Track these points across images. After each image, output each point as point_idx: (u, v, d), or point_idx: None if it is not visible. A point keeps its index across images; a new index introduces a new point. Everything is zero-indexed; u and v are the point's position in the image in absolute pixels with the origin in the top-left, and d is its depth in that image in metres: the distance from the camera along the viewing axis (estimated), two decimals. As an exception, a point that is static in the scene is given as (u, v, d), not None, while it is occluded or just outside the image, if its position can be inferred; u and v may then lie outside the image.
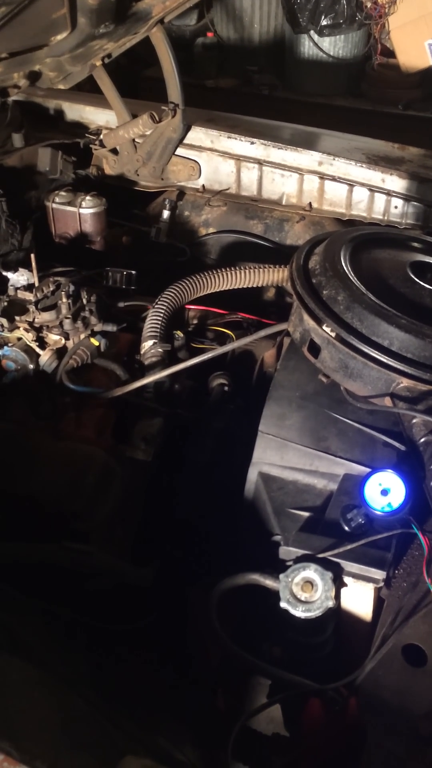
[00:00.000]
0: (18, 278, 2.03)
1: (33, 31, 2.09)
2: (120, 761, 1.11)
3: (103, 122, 2.87)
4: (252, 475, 1.67)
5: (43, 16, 2.04)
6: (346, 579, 1.42)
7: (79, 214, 2.41)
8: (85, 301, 1.97)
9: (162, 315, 2.02)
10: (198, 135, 2.73)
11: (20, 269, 2.04)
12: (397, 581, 1.42)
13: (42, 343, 1.93)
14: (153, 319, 2.01)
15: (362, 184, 2.57)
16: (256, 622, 1.53)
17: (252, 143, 2.68)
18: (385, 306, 1.64)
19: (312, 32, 5.27)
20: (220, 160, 2.74)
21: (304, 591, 1.37)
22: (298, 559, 1.42)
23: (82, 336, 1.94)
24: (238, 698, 1.54)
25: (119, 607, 1.64)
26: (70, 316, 1.92)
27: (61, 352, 1.92)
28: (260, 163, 2.68)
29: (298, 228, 2.65)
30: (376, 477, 1.44)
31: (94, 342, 1.94)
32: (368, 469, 1.54)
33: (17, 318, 1.93)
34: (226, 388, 1.99)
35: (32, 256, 1.97)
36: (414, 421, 1.54)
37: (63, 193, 2.44)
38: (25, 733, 1.08)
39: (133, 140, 2.72)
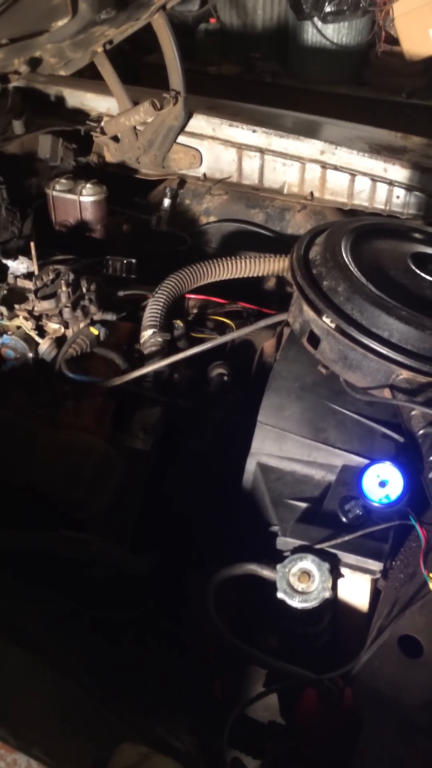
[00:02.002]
0: (18, 266, 2.03)
1: (34, 16, 2.08)
2: (116, 748, 1.12)
3: (105, 109, 2.85)
4: (250, 465, 1.67)
5: (44, 1, 2.03)
6: (343, 570, 1.43)
7: (80, 201, 2.40)
8: (84, 289, 1.97)
9: (162, 304, 2.02)
10: (199, 123, 2.71)
11: (20, 257, 2.04)
12: (394, 573, 1.43)
13: (41, 332, 1.93)
14: (153, 308, 2.01)
15: (364, 174, 2.56)
16: (253, 612, 1.54)
17: (254, 131, 2.66)
18: (385, 297, 1.64)
19: (316, 19, 5.24)
20: (221, 149, 2.72)
21: (301, 581, 1.38)
22: (296, 550, 1.43)
23: (82, 325, 1.94)
24: (235, 686, 1.55)
25: (117, 595, 1.64)
26: (69, 304, 1.92)
27: (60, 341, 1.92)
28: (262, 151, 2.67)
29: (299, 217, 2.64)
30: (374, 468, 1.45)
31: (94, 331, 1.93)
32: (366, 461, 1.54)
33: (17, 306, 1.92)
34: (225, 378, 1.99)
35: (32, 244, 1.96)
36: (413, 413, 1.54)
37: (63, 181, 2.43)
38: (22, 720, 1.08)
39: (135, 128, 2.71)
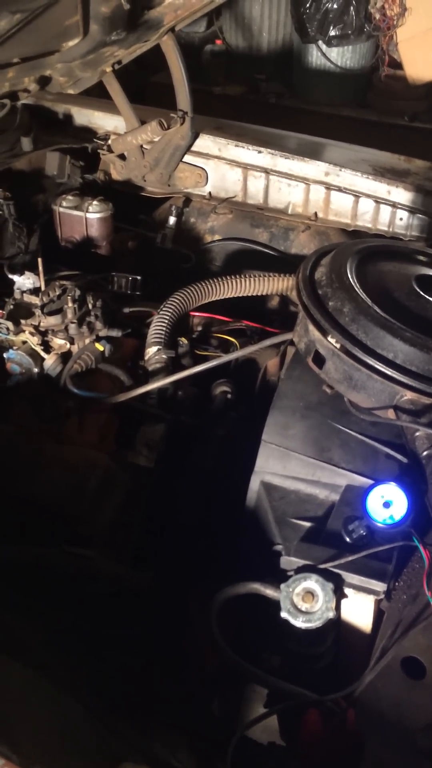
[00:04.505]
0: (24, 281, 2.04)
1: (46, 37, 2.11)
2: (117, 767, 1.12)
3: (112, 128, 2.89)
4: (254, 483, 1.68)
5: (56, 22, 2.06)
6: (347, 590, 1.43)
7: (86, 218, 2.43)
8: (90, 305, 1.98)
9: (167, 321, 2.03)
10: (206, 143, 2.75)
11: (26, 272, 2.05)
12: (397, 593, 1.43)
13: (47, 347, 1.94)
14: (157, 326, 2.02)
15: (368, 196, 2.59)
16: (255, 631, 1.53)
17: (259, 152, 2.69)
18: (390, 319, 1.65)
19: (320, 42, 5.30)
20: (227, 168, 2.75)
21: (304, 601, 1.38)
22: (299, 570, 1.43)
23: (87, 341, 1.95)
24: (235, 706, 1.54)
25: (118, 611, 1.64)
26: (75, 320, 1.93)
27: (65, 357, 1.93)
28: (267, 172, 2.70)
29: (303, 237, 2.66)
30: (379, 489, 1.45)
31: (99, 347, 1.94)
32: (370, 481, 1.55)
33: (23, 321, 1.94)
34: (229, 396, 2.00)
35: (39, 259, 1.98)
36: (417, 434, 1.54)
37: (70, 198, 2.45)
38: (24, 737, 1.08)
39: (141, 146, 2.74)
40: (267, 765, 1.38)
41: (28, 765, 1.01)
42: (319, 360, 1.69)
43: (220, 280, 2.17)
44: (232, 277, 2.19)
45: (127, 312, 2.16)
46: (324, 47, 5.32)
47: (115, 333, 2.00)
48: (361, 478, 1.59)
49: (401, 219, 2.56)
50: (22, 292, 1.99)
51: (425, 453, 1.51)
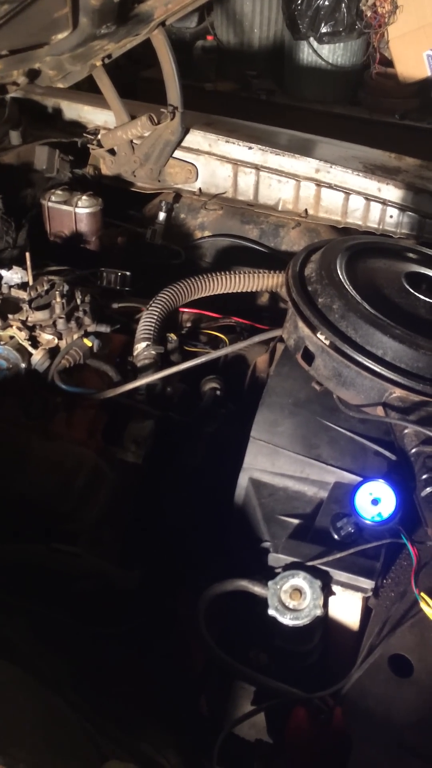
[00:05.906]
0: (12, 276, 2.02)
1: (34, 29, 2.09)
2: (103, 765, 1.11)
3: (102, 122, 2.87)
4: (243, 480, 1.67)
5: (45, 14, 2.04)
6: (335, 588, 1.42)
7: (75, 213, 2.41)
8: (79, 301, 1.96)
9: (156, 317, 2.02)
10: (196, 138, 2.73)
11: (14, 267, 2.03)
12: (385, 591, 1.43)
13: (34, 343, 1.92)
14: (146, 321, 2.01)
15: (358, 193, 2.58)
16: (243, 628, 1.53)
17: (250, 148, 2.69)
18: (379, 316, 1.65)
19: (311, 39, 5.29)
20: (217, 164, 2.74)
21: (292, 599, 1.37)
22: (287, 567, 1.42)
23: (75, 336, 1.93)
24: (222, 704, 1.54)
25: (105, 609, 1.63)
26: (63, 315, 1.91)
27: (53, 352, 1.91)
28: (257, 168, 2.69)
29: (293, 234, 2.66)
30: (367, 486, 1.45)
31: (87, 342, 1.92)
32: (359, 478, 1.54)
33: (10, 316, 1.91)
34: (218, 392, 1.99)
35: (27, 254, 1.96)
36: (405, 431, 1.54)
37: (59, 192, 2.43)
38: (9, 736, 1.07)
39: (131, 141, 2.72)
40: (254, 762, 1.37)
41: (12, 765, 1.01)
42: (309, 357, 1.68)
43: (209, 276, 2.16)
44: (222, 273, 2.18)
45: (116, 307, 2.15)
46: (315, 44, 5.31)
47: (104, 329, 1.98)
48: (350, 475, 1.59)
49: (391, 216, 2.56)
50: (10, 286, 1.97)
51: (414, 450, 1.50)
